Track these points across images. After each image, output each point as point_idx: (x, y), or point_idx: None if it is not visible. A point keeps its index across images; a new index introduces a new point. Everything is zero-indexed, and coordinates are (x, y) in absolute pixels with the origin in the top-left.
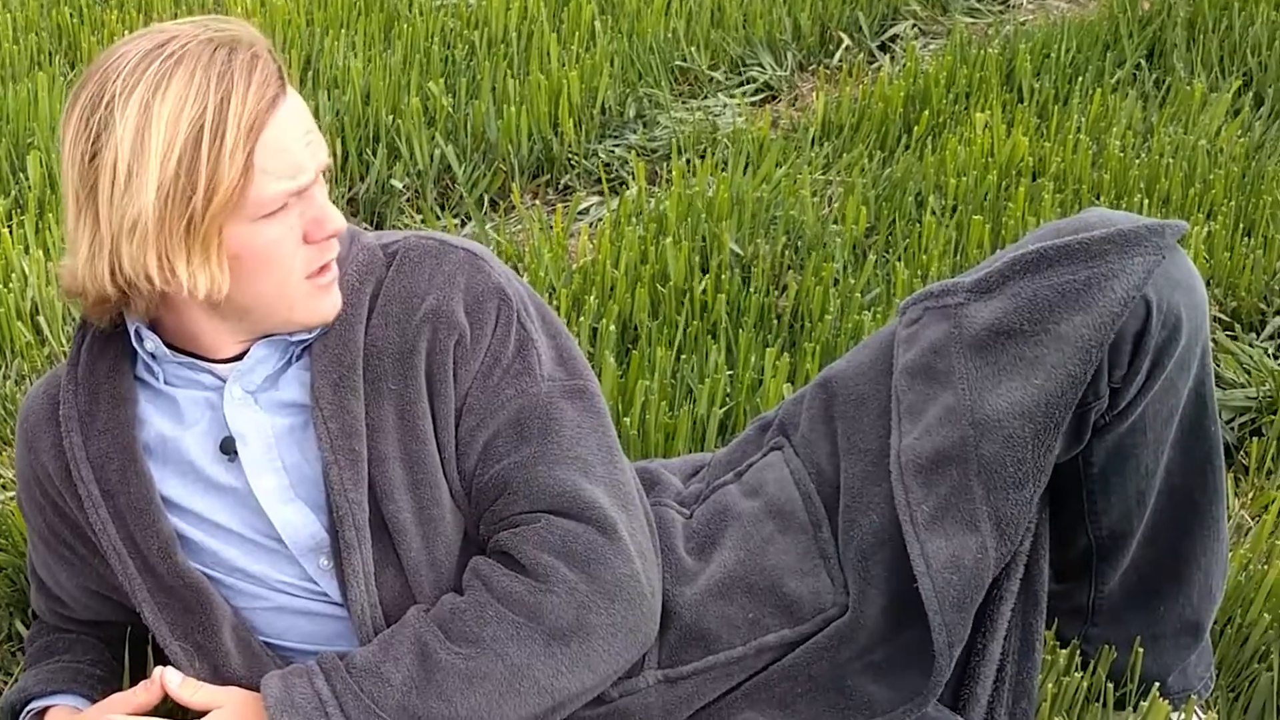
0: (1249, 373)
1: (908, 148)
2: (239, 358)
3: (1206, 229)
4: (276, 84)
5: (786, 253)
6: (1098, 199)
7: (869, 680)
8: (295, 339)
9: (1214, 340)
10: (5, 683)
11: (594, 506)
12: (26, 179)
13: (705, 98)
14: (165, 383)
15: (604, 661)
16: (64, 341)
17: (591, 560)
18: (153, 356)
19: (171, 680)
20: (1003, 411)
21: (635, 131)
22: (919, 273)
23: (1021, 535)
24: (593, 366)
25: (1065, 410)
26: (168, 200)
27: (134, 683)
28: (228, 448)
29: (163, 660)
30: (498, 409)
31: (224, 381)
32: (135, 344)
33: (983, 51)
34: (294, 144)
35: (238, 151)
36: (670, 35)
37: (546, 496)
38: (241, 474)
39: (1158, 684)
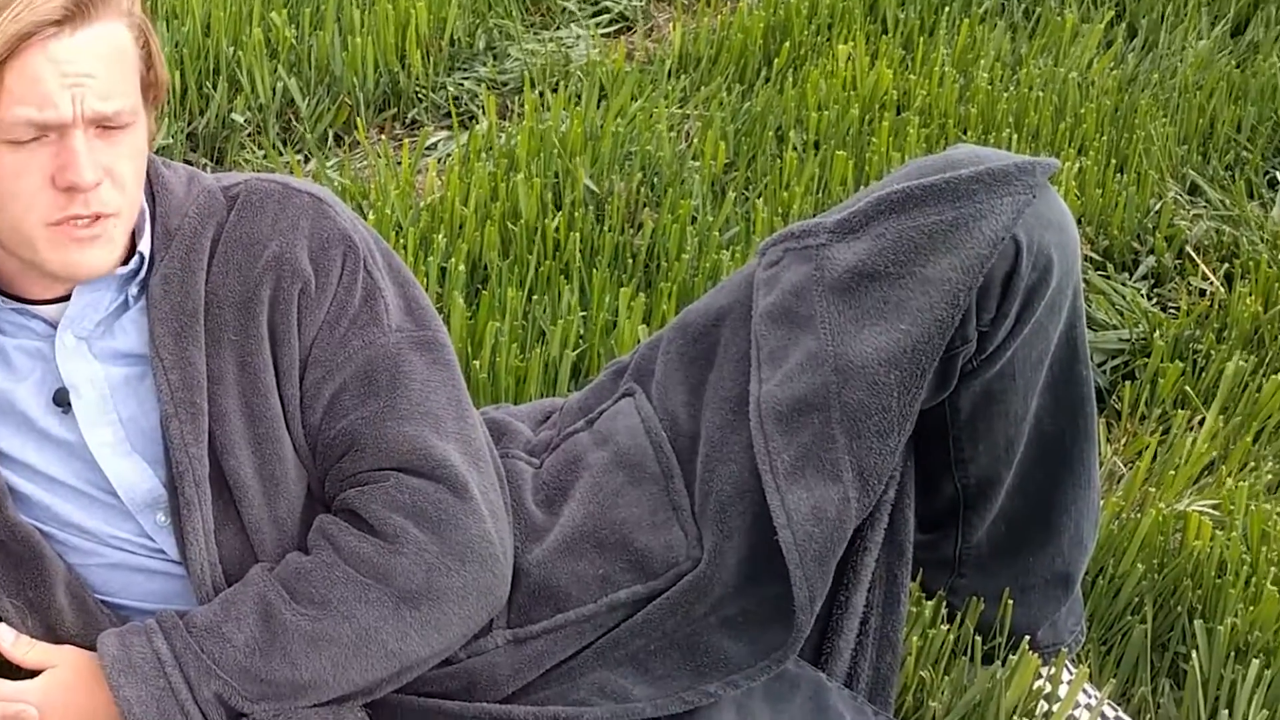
0: (1122, 314)
1: (768, 80)
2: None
3: (1078, 165)
4: (60, 14)
5: (642, 190)
6: (965, 134)
7: (726, 637)
8: (124, 278)
9: (1086, 281)
10: None
11: (445, 464)
12: None
13: (558, 28)
14: None
15: (454, 625)
16: None
17: (442, 521)
18: None
19: (4, 638)
20: (866, 357)
21: (485, 64)
22: (780, 211)
23: (885, 485)
24: (441, 307)
25: (932, 356)
26: None
27: None
28: (61, 399)
29: None
30: (344, 361)
31: (55, 329)
32: None
33: None
34: (50, 78)
35: None
36: None
37: (395, 453)
38: (75, 427)
39: (1027, 637)
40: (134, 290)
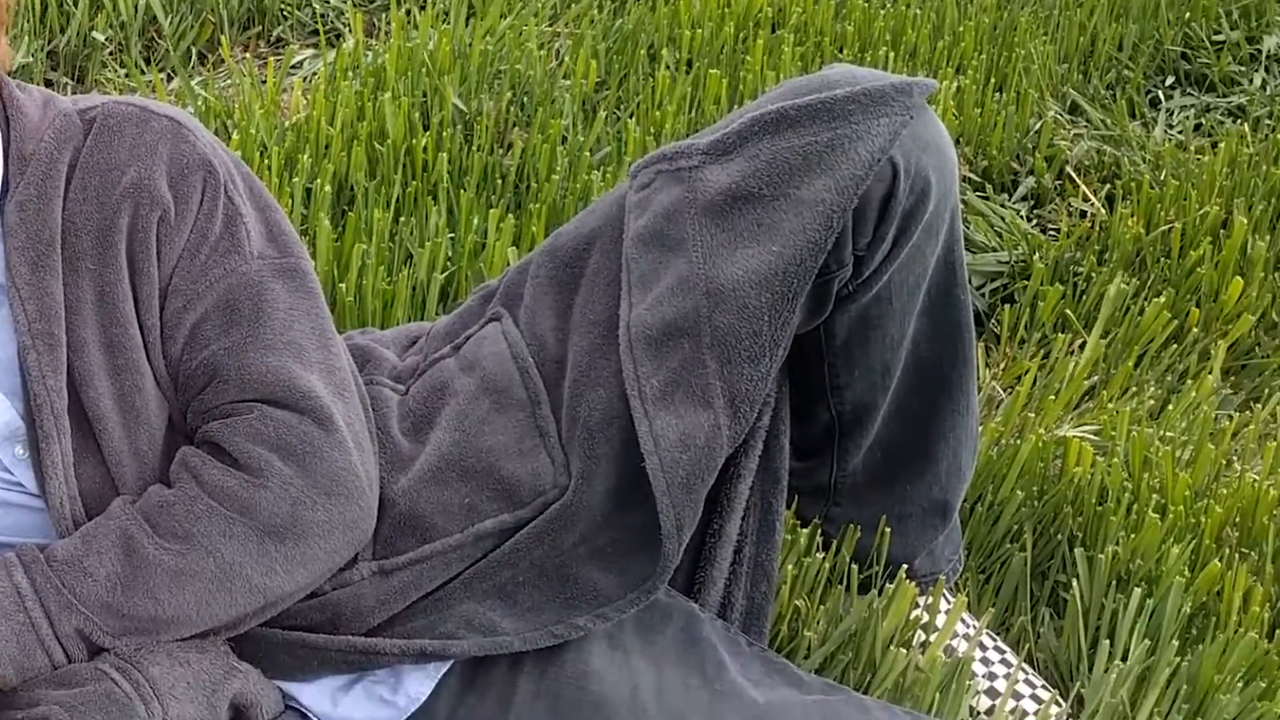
0: (1001, 236)
1: None
2: None
3: (956, 84)
4: None
5: (512, 109)
6: (841, 53)
7: (595, 568)
8: None
9: (964, 202)
10: None
11: (309, 396)
12: None
13: None
14: None
15: (319, 559)
16: None
17: (307, 454)
18: None
19: None
20: (738, 280)
21: None
22: (652, 131)
23: (758, 412)
24: (306, 230)
25: (805, 279)
26: None
27: None
28: None
29: None
30: (205, 290)
31: None
32: None
33: None
34: None
35: None
36: None
37: (259, 384)
38: None
39: (904, 566)
40: None
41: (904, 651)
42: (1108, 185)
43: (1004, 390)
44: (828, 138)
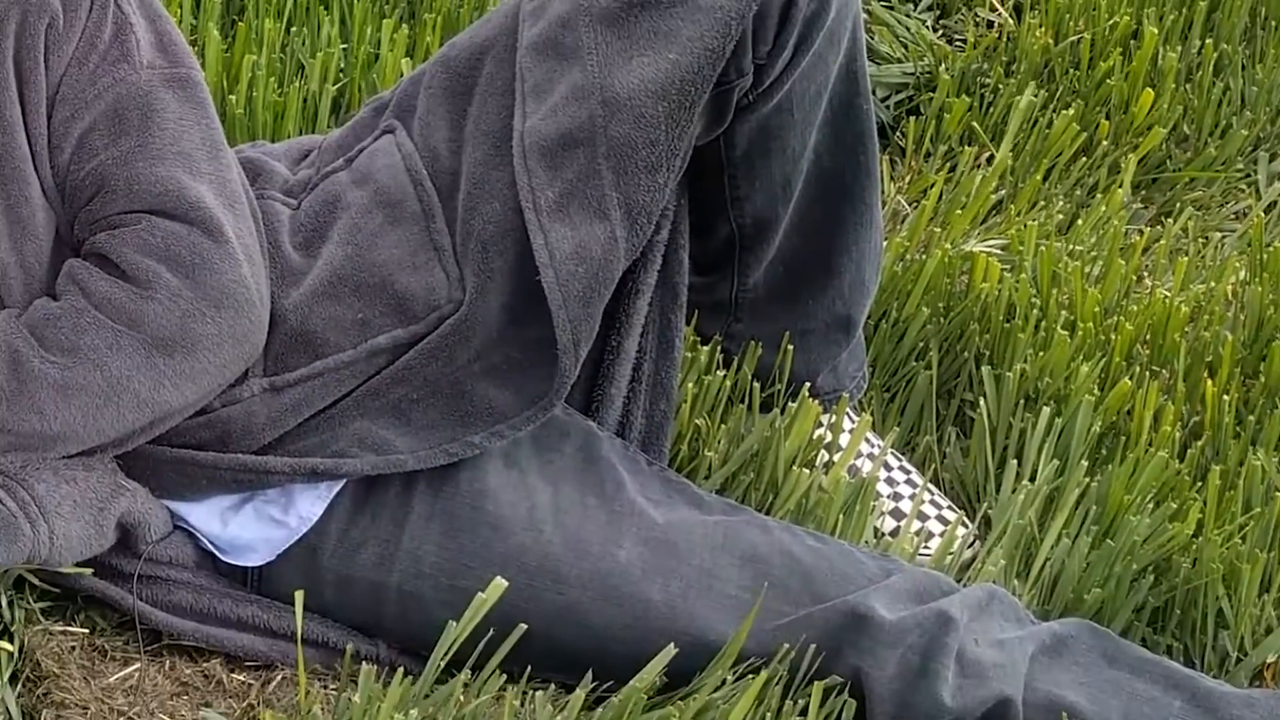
0: (906, 46)
1: None
2: None
3: None
4: None
5: None
6: None
7: (491, 384)
8: None
9: (867, 11)
10: None
11: (198, 207)
12: None
13: None
14: None
15: (209, 373)
16: None
17: (196, 265)
18: None
19: None
20: (634, 89)
21: None
22: None
23: (655, 224)
24: (195, 40)
25: (702, 87)
26: None
27: None
28: None
29: None
30: (93, 99)
31: None
32: None
33: None
34: None
35: None
36: None
37: (147, 195)
38: None
39: (807, 384)
40: None
41: (806, 472)
42: None
43: (909, 205)
44: None
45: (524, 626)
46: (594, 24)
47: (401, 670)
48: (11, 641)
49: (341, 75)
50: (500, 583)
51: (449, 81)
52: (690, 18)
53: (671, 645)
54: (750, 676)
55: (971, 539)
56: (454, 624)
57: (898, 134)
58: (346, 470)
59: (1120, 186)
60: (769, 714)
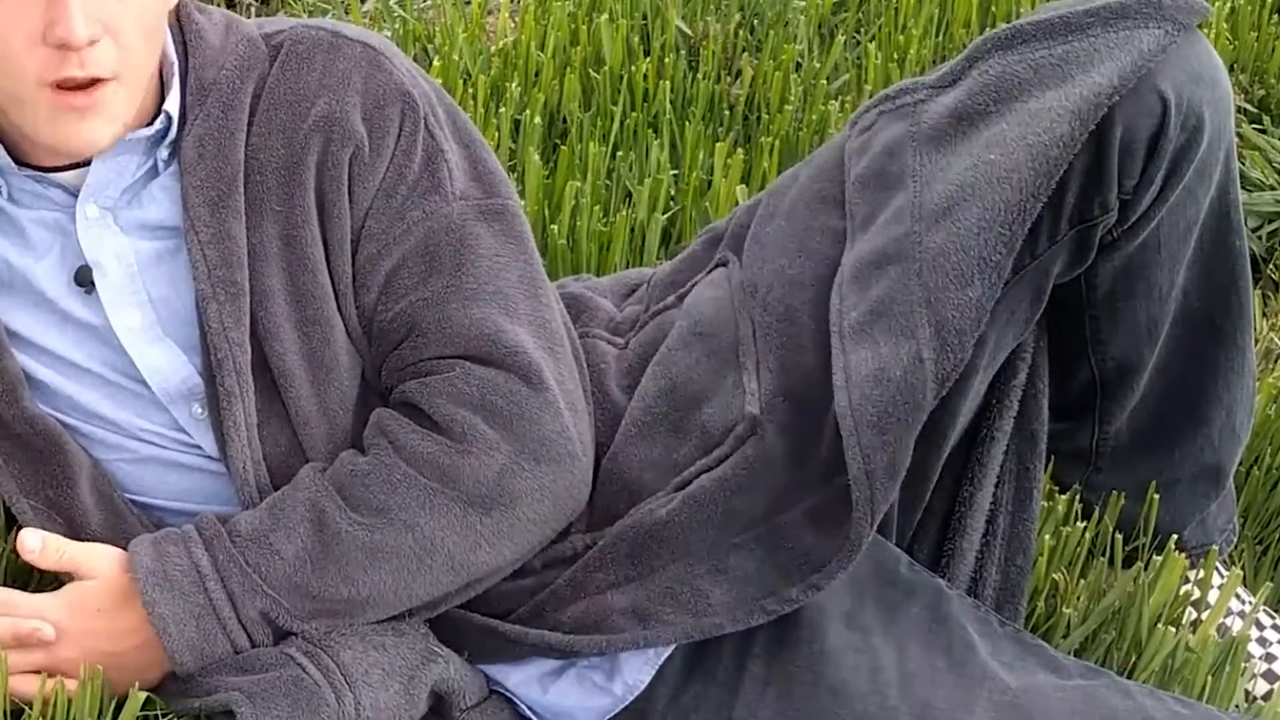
0: (1279, 171)
1: None
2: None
3: (1229, 5)
4: None
5: (741, 32)
6: None
7: (805, 528)
8: (151, 140)
9: (1239, 136)
10: None
11: (516, 351)
12: None
13: None
14: (10, 199)
15: (528, 532)
16: None
17: (515, 415)
18: None
19: (30, 544)
20: (949, 195)
21: None
22: (895, 57)
23: (968, 348)
24: (514, 166)
25: (1028, 194)
26: None
27: None
28: (83, 278)
29: (11, 522)
30: (402, 234)
31: (76, 198)
32: None
33: None
34: None
35: None
36: None
37: (461, 339)
38: (100, 308)
39: (1173, 537)
40: (163, 154)
41: (1172, 630)
42: None
43: None
44: (1062, 51)
45: None
46: (920, 147)
47: None
48: None
49: (671, 203)
50: None
51: (779, 214)
52: (1016, 121)
53: None
54: None
55: None
56: None
57: (1270, 266)
58: (663, 639)
59: None
60: None
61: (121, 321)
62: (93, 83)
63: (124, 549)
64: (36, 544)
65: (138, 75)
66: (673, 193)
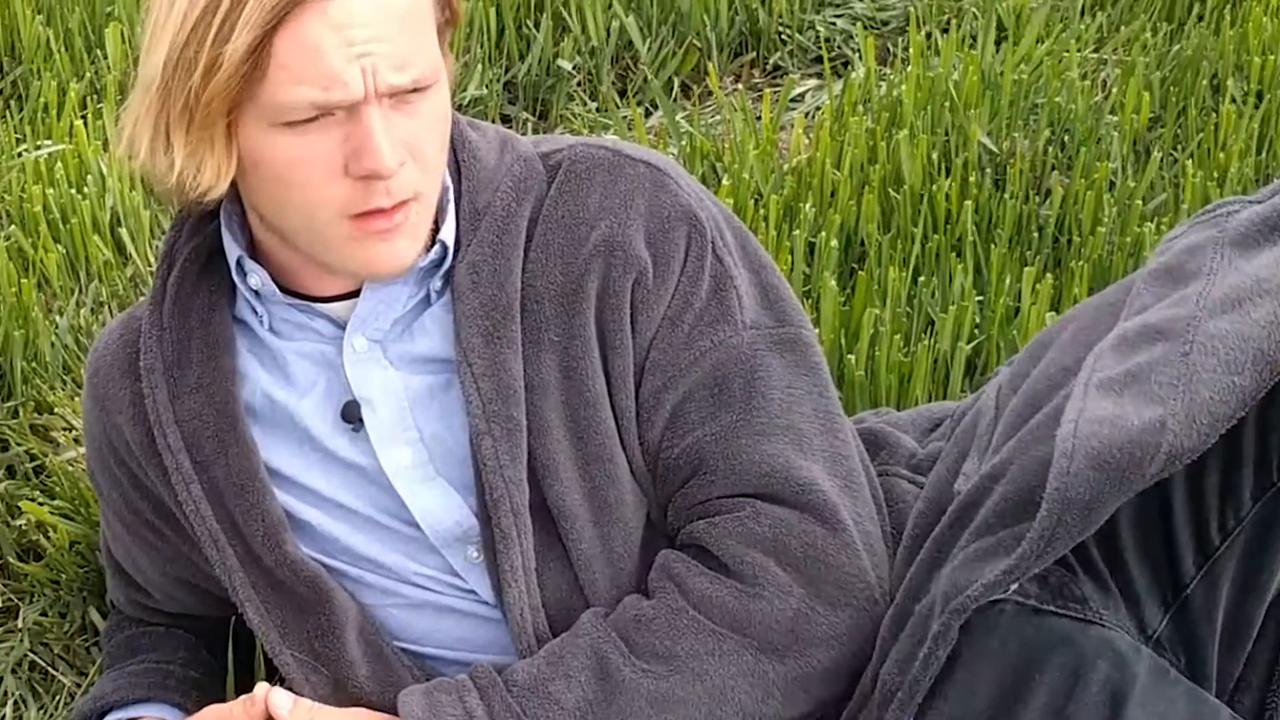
0: None
1: (1201, 19)
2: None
3: None
4: None
5: (1050, 149)
6: None
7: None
8: (424, 270)
9: None
10: (79, 686)
11: (811, 489)
12: (105, 57)
13: None
14: (270, 330)
15: (823, 682)
16: (151, 260)
17: (809, 557)
18: (257, 295)
19: (280, 705)
20: (1243, 289)
21: None
22: (1214, 175)
23: (1216, 432)
24: (809, 291)
25: None
26: (174, 68)
27: (240, 687)
28: (351, 415)
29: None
30: (689, 366)
31: (343, 330)
32: (236, 278)
33: None
34: (332, 49)
35: (247, 31)
36: None
37: (752, 477)
38: (369, 447)
39: None
40: (436, 284)
41: None
42: None
43: None
44: None
45: None
46: (1223, 247)
47: None
48: None
49: (977, 332)
50: None
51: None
52: None
53: None
54: None
55: None
56: None
57: None
58: None
59: None
60: None
61: (391, 460)
62: (399, 205)
63: (392, 701)
64: (285, 704)
65: (434, 189)
66: (978, 321)
